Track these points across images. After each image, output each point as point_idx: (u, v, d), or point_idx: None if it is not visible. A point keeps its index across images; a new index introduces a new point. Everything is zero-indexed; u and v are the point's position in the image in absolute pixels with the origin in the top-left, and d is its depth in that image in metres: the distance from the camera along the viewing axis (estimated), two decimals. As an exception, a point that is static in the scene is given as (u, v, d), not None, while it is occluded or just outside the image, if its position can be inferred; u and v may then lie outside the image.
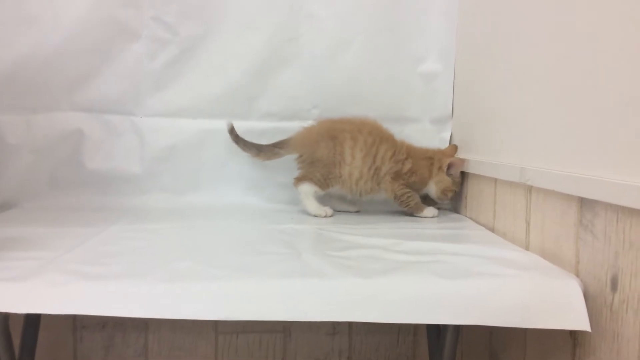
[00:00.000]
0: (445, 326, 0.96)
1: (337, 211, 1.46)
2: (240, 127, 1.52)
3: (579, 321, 0.81)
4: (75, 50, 1.44)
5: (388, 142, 1.40)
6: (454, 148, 1.49)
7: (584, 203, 0.88)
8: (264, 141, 1.51)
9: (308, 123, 1.49)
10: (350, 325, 1.56)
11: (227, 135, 1.50)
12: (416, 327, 1.58)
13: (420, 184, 1.43)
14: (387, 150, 1.39)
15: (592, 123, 0.87)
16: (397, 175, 1.39)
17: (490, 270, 0.89)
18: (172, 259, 0.93)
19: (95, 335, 1.51)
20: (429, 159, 1.44)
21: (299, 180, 1.43)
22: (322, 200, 1.43)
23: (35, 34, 1.42)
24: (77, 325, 1.50)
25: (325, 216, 1.39)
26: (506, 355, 1.18)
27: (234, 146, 1.50)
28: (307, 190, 1.41)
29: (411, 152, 1.43)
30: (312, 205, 1.40)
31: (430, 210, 1.41)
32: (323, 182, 1.40)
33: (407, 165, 1.41)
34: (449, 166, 1.41)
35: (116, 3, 1.45)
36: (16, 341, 1.23)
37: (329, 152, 1.39)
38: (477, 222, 1.32)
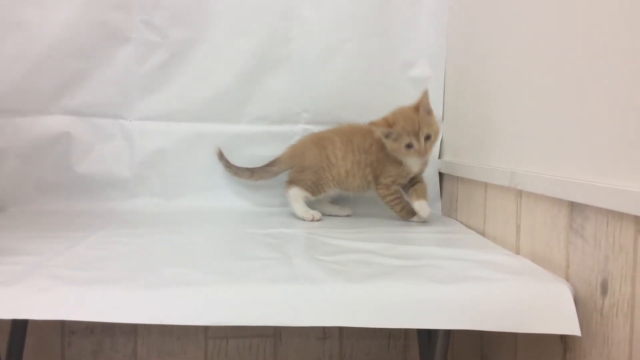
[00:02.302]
0: (436, 331, 0.95)
1: (327, 215, 1.46)
2: (230, 131, 1.52)
3: (569, 325, 0.81)
4: (64, 53, 1.43)
5: (359, 133, 1.40)
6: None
7: (574, 207, 0.88)
8: (254, 145, 1.52)
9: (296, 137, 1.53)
10: (340, 329, 1.55)
11: (217, 139, 1.51)
12: (407, 331, 1.58)
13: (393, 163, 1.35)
14: (359, 141, 1.39)
15: (582, 128, 0.87)
16: (375, 172, 1.38)
17: (481, 274, 0.89)
18: (162, 264, 0.92)
19: (84, 340, 1.49)
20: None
21: (290, 183, 1.44)
22: (311, 204, 1.43)
23: (24, 37, 1.41)
24: (66, 330, 1.49)
25: (312, 220, 1.38)
26: (497, 359, 1.17)
27: (224, 150, 1.51)
28: (297, 193, 1.41)
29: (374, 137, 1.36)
30: (300, 209, 1.40)
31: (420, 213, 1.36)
32: (314, 188, 1.41)
33: (373, 156, 1.37)
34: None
35: (106, 6, 1.44)
36: (3, 346, 1.22)
37: (315, 158, 1.41)
38: (468, 226, 1.32)
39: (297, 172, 1.44)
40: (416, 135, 1.27)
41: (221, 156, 1.51)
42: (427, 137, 1.28)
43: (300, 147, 1.46)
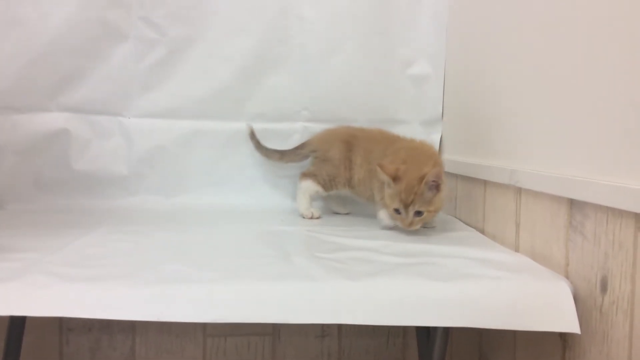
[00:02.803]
0: (434, 328, 0.95)
1: (330, 213, 1.46)
2: (230, 128, 1.52)
3: (569, 323, 0.81)
4: (62, 50, 1.43)
5: (382, 145, 1.36)
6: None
7: (573, 205, 0.88)
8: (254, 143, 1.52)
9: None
10: (339, 328, 1.55)
11: (216, 137, 1.51)
12: (405, 329, 1.57)
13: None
14: (378, 154, 1.35)
15: (581, 125, 0.87)
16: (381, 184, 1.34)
17: (480, 272, 0.89)
18: (160, 262, 0.92)
19: (82, 337, 1.49)
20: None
21: (305, 175, 1.43)
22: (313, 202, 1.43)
23: (22, 34, 1.40)
24: (63, 327, 1.48)
25: (311, 218, 1.38)
26: (496, 357, 1.17)
27: (223, 147, 1.51)
28: (308, 187, 1.41)
29: (398, 154, 1.26)
30: (303, 204, 1.40)
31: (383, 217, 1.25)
32: (327, 183, 1.40)
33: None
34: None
35: (104, 3, 1.44)
36: (1, 344, 1.22)
37: (340, 154, 1.40)
38: (467, 224, 1.32)
39: (319, 160, 1.43)
40: (406, 207, 1.15)
41: (252, 136, 1.51)
42: (418, 213, 1.15)
43: (331, 137, 1.44)
